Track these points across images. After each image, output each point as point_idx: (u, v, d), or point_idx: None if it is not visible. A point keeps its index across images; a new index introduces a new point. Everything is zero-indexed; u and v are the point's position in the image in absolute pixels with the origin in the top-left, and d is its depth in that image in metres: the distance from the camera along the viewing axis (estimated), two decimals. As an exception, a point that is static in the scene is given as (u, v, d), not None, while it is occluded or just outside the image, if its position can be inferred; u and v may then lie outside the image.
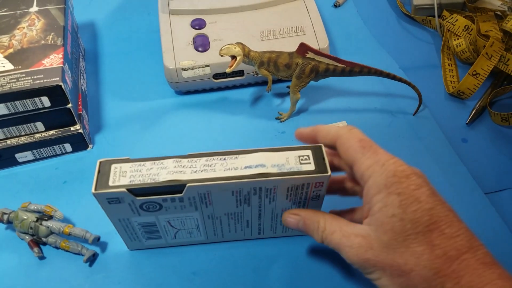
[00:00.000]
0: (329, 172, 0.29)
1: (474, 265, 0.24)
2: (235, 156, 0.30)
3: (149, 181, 0.28)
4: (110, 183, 0.28)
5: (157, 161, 0.29)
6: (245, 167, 0.29)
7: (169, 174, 0.28)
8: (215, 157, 0.30)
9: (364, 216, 0.28)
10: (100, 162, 0.29)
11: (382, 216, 0.26)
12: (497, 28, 0.47)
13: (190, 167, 0.29)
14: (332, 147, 0.30)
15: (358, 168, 0.28)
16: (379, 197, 0.26)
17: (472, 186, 0.39)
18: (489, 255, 0.25)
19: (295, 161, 0.29)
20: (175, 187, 0.29)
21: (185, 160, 0.29)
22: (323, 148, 0.30)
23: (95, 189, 0.28)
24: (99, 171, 0.29)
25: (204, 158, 0.29)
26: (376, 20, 0.57)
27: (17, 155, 0.41)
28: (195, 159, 0.29)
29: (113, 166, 0.29)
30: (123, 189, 0.28)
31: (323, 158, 0.29)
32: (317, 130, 0.31)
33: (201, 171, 0.29)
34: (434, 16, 0.54)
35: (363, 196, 0.28)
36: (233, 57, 0.42)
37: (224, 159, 0.29)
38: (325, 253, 0.35)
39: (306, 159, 0.29)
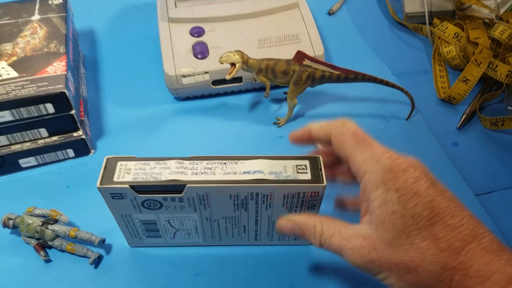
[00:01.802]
0: (325, 183, 0.30)
1: (481, 254, 0.23)
2: (235, 161, 0.31)
3: (151, 180, 0.29)
4: (115, 179, 0.30)
5: (161, 161, 0.31)
6: (244, 172, 0.30)
7: (170, 174, 0.30)
8: (215, 161, 0.31)
9: (362, 214, 0.27)
10: (107, 159, 0.31)
11: (382, 214, 0.25)
12: (486, 35, 0.49)
13: (191, 169, 0.30)
14: (327, 142, 0.30)
15: (353, 163, 0.27)
16: (377, 193, 0.26)
17: (463, 188, 0.41)
18: (496, 241, 0.24)
19: (293, 170, 0.30)
20: (175, 187, 0.30)
21: (187, 162, 0.31)
22: (321, 159, 0.31)
23: (100, 184, 0.29)
24: (105, 167, 0.30)
25: (205, 161, 0.31)
26: (369, 27, 0.59)
27: (20, 161, 0.42)
28: (197, 161, 0.31)
29: (119, 163, 0.30)
30: (126, 186, 0.29)
31: (320, 169, 0.30)
32: (310, 127, 0.31)
33: (202, 173, 0.30)
34: (425, 24, 0.55)
35: (360, 192, 0.27)
36: (233, 64, 0.43)
37: (225, 163, 0.31)
38: (326, 255, 0.36)
39: (303, 169, 0.30)
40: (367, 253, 0.26)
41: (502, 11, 0.55)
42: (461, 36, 0.51)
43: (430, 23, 0.55)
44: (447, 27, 0.52)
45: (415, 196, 0.25)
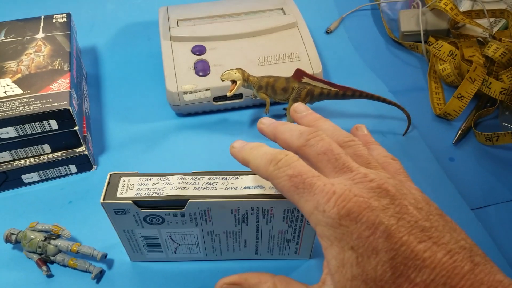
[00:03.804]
0: None
1: None
2: (236, 176, 0.31)
3: (154, 195, 0.30)
4: (118, 195, 0.30)
5: (163, 177, 0.31)
6: (245, 187, 0.30)
7: (173, 190, 0.30)
8: (217, 176, 0.31)
9: (324, 267, 0.24)
10: (111, 175, 0.31)
11: (342, 278, 0.21)
12: (480, 53, 0.50)
13: (193, 184, 0.31)
14: None
15: (301, 211, 0.23)
16: (332, 252, 0.22)
17: (459, 202, 0.41)
18: (477, 284, 0.19)
19: None
20: (177, 202, 0.30)
21: (189, 177, 0.31)
22: None
23: (104, 199, 0.30)
24: (108, 183, 0.31)
25: (207, 177, 0.31)
26: (366, 45, 0.60)
27: (23, 176, 0.42)
28: (199, 176, 0.31)
29: (122, 178, 0.31)
30: (129, 201, 0.30)
31: None
32: (247, 162, 0.27)
33: (203, 188, 0.30)
34: (420, 42, 0.57)
35: (320, 241, 0.23)
36: (233, 82, 0.44)
37: (226, 178, 0.31)
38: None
39: None
40: None
41: (495, 30, 0.56)
42: (456, 54, 0.52)
43: (425, 42, 0.57)
44: (442, 45, 0.53)
45: (374, 254, 0.20)
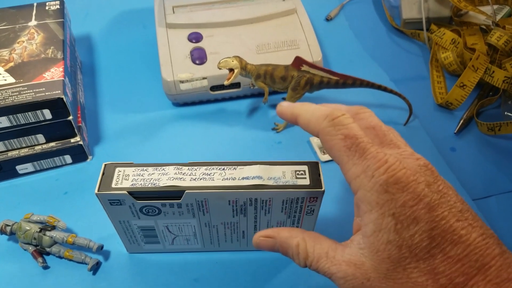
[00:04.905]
0: (323, 188, 0.30)
1: None
2: (233, 167, 0.31)
3: (149, 186, 0.29)
4: (113, 185, 0.29)
5: (159, 167, 0.30)
6: (243, 178, 0.30)
7: (169, 180, 0.30)
8: (214, 167, 0.31)
9: (354, 229, 0.25)
10: (105, 165, 0.30)
11: (377, 241, 0.22)
12: (483, 41, 0.49)
13: (190, 175, 0.30)
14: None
15: (345, 174, 0.24)
16: (371, 216, 0.22)
17: (460, 192, 0.41)
18: (504, 271, 0.21)
19: (291, 175, 0.30)
20: (174, 193, 0.30)
21: (186, 167, 0.30)
22: (319, 164, 0.31)
23: (98, 190, 0.29)
24: (103, 173, 0.30)
25: (204, 167, 0.31)
26: (367, 33, 0.59)
27: (17, 167, 0.42)
28: (195, 167, 0.31)
29: (117, 169, 0.30)
30: (124, 192, 0.29)
31: (319, 174, 0.30)
32: (297, 115, 0.27)
33: (200, 179, 0.30)
34: (422, 30, 0.56)
35: (354, 207, 0.24)
36: (231, 70, 0.43)
37: (223, 169, 0.31)
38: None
39: (302, 174, 0.30)
40: (360, 284, 0.23)
41: (498, 17, 0.55)
42: (458, 42, 0.51)
43: (427, 29, 0.56)
44: (444, 33, 0.52)
45: (414, 223, 0.21)
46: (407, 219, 0.21)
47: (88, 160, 0.44)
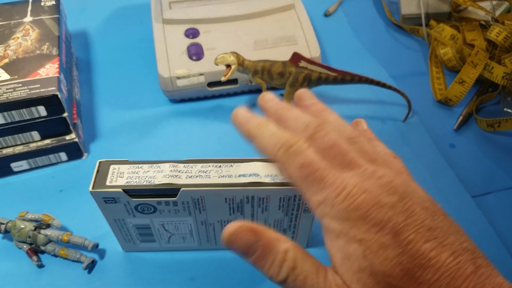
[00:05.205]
0: None
1: None
2: (230, 164, 0.30)
3: (145, 183, 0.29)
4: (108, 183, 0.29)
5: (154, 164, 0.30)
6: (239, 175, 0.30)
7: (164, 178, 0.29)
8: (210, 164, 0.30)
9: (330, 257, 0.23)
10: (100, 162, 0.30)
11: (348, 271, 0.21)
12: (482, 37, 0.49)
13: (185, 172, 0.30)
14: None
15: (307, 202, 0.23)
16: (338, 245, 0.21)
17: (459, 189, 0.41)
18: (479, 286, 0.19)
19: None
20: (169, 191, 0.29)
21: (182, 165, 0.30)
22: None
23: (93, 188, 0.29)
24: (98, 171, 0.30)
25: (200, 164, 0.30)
26: (365, 29, 0.59)
27: (12, 165, 0.41)
28: (191, 164, 0.30)
29: (111, 166, 0.30)
30: (119, 190, 0.29)
31: None
32: (253, 138, 0.26)
33: (196, 177, 0.29)
34: (421, 26, 0.55)
35: (323, 234, 0.23)
36: (228, 66, 0.43)
37: (220, 166, 0.30)
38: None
39: None
40: None
41: (497, 13, 0.55)
42: (458, 38, 0.51)
43: (426, 25, 0.55)
44: (443, 29, 0.52)
45: (382, 249, 0.20)
46: (374, 245, 0.20)
47: (84, 157, 0.44)
